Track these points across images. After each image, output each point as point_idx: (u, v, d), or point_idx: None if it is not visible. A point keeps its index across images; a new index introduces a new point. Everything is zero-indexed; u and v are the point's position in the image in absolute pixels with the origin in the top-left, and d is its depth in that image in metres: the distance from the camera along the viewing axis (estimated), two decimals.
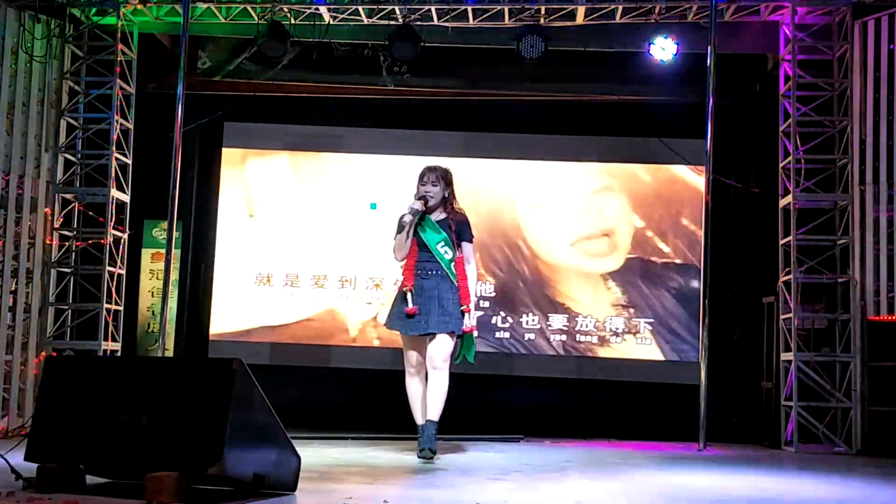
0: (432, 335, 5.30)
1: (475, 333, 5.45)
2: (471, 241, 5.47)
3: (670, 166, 8.56)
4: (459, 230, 5.43)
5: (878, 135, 7.15)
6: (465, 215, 5.51)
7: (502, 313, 8.67)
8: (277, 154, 8.97)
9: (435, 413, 5.29)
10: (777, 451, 7.12)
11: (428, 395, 5.33)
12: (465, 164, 8.76)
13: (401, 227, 5.38)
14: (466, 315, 5.32)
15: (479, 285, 8.63)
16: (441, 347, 5.28)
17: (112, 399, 3.51)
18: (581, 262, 8.74)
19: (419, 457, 5.26)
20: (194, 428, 3.32)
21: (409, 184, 5.63)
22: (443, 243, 5.36)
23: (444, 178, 5.45)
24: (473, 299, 5.44)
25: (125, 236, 7.87)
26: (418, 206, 5.33)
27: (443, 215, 5.46)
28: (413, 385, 5.45)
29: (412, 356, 5.41)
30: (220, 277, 8.82)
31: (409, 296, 5.30)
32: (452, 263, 5.36)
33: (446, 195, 5.45)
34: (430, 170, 5.47)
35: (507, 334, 8.65)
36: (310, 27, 7.80)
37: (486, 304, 8.67)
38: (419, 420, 5.42)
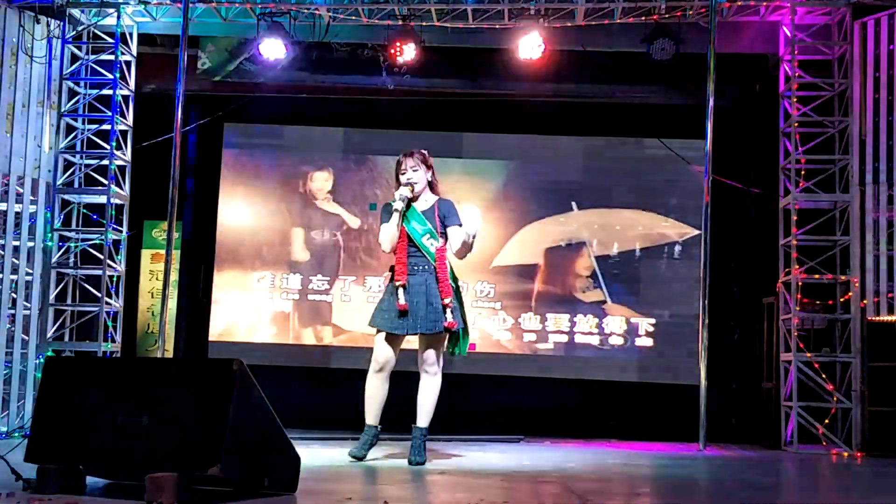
0: (420, 335, 5.08)
1: (458, 327, 5.10)
2: (459, 226, 5.09)
3: (670, 167, 8.55)
4: (445, 215, 5.14)
5: (878, 135, 7.15)
6: (450, 200, 5.24)
7: (503, 313, 8.67)
8: (277, 154, 8.97)
9: (425, 420, 5.10)
10: (777, 451, 7.11)
11: (420, 400, 5.11)
12: (465, 164, 8.78)
13: (387, 217, 5.12)
14: (448, 310, 5.03)
15: (480, 286, 8.65)
16: (435, 349, 5.07)
17: (112, 400, 3.51)
18: (581, 263, 8.74)
19: (353, 456, 5.05)
20: (194, 429, 3.31)
21: None
22: (428, 236, 5.10)
23: (424, 161, 5.17)
24: (472, 231, 5.05)
25: (125, 237, 7.87)
26: (406, 192, 5.07)
27: (429, 203, 5.18)
28: (376, 383, 5.11)
29: (384, 354, 5.07)
30: (219, 278, 8.82)
31: (401, 291, 5.02)
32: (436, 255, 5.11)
33: (430, 179, 5.19)
34: (407, 156, 5.16)
35: (507, 335, 8.65)
36: (309, 27, 7.81)
37: (487, 304, 8.68)
38: (371, 420, 5.15)
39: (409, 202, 5.12)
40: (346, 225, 8.79)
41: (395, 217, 5.06)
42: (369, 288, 8.66)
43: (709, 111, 7.16)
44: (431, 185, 5.22)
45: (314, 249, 8.80)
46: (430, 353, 5.07)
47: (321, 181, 8.87)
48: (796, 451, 6.94)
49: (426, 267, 5.09)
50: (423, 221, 5.11)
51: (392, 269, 5.21)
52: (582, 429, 8.01)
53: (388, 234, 5.09)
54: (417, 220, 5.11)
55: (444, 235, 5.15)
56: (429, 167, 5.19)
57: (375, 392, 5.14)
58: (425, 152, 5.24)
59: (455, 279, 5.21)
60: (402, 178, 5.14)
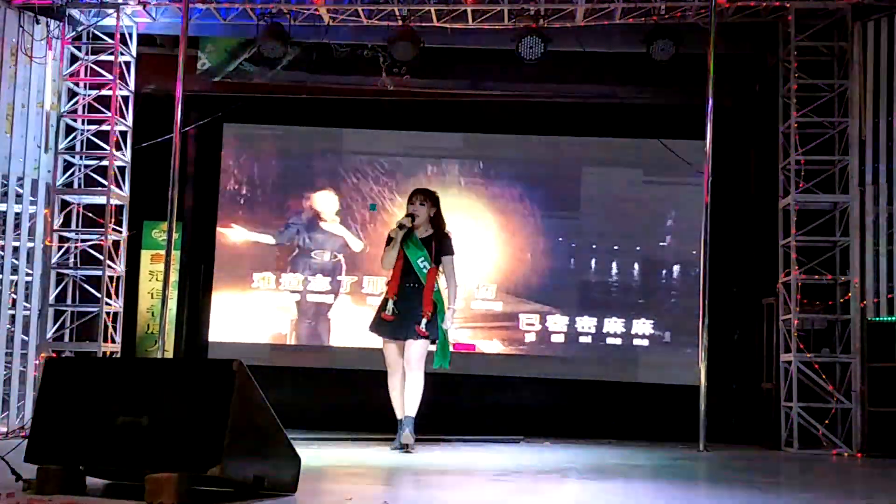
0: (404, 340, 5.96)
1: (432, 337, 5.97)
2: (451, 255, 6.08)
3: (670, 167, 8.54)
4: (441, 245, 6.07)
5: (878, 135, 7.15)
6: (449, 234, 6.16)
7: (503, 314, 8.66)
8: (277, 155, 8.97)
9: (412, 410, 5.95)
10: (777, 451, 7.12)
11: (405, 394, 5.98)
12: (465, 165, 8.79)
13: (389, 241, 6.05)
14: (424, 319, 5.89)
15: (480, 286, 8.65)
16: (415, 351, 5.93)
17: (112, 400, 3.50)
18: (580, 263, 8.74)
19: (394, 448, 5.93)
20: (194, 429, 3.31)
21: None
22: (423, 258, 6.02)
23: (431, 199, 6.15)
24: (455, 306, 6.12)
25: (125, 237, 7.86)
26: (406, 221, 6.01)
27: (428, 233, 6.11)
28: (393, 384, 6.09)
29: (391, 358, 6.08)
30: (219, 278, 8.81)
31: (390, 303, 5.97)
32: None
33: (432, 215, 6.13)
34: (418, 192, 6.20)
35: (507, 335, 8.65)
36: (309, 28, 7.80)
37: (487, 305, 8.67)
38: (399, 415, 6.06)
39: (410, 230, 6.03)
40: (346, 226, 8.80)
41: (394, 242, 6.00)
42: (366, 288, 8.64)
43: (709, 111, 7.16)
44: (435, 219, 6.14)
45: (314, 250, 8.79)
46: (411, 355, 5.94)
47: (320, 182, 8.87)
48: (796, 451, 6.94)
49: (416, 285, 6.00)
50: (421, 247, 6.05)
51: (388, 284, 6.12)
52: (582, 429, 8.01)
53: (388, 255, 6.08)
54: (416, 245, 6.05)
55: (438, 262, 6.07)
56: (433, 205, 6.14)
57: (395, 392, 6.07)
58: (435, 192, 6.24)
59: (441, 300, 6.06)
60: (409, 209, 6.08)
